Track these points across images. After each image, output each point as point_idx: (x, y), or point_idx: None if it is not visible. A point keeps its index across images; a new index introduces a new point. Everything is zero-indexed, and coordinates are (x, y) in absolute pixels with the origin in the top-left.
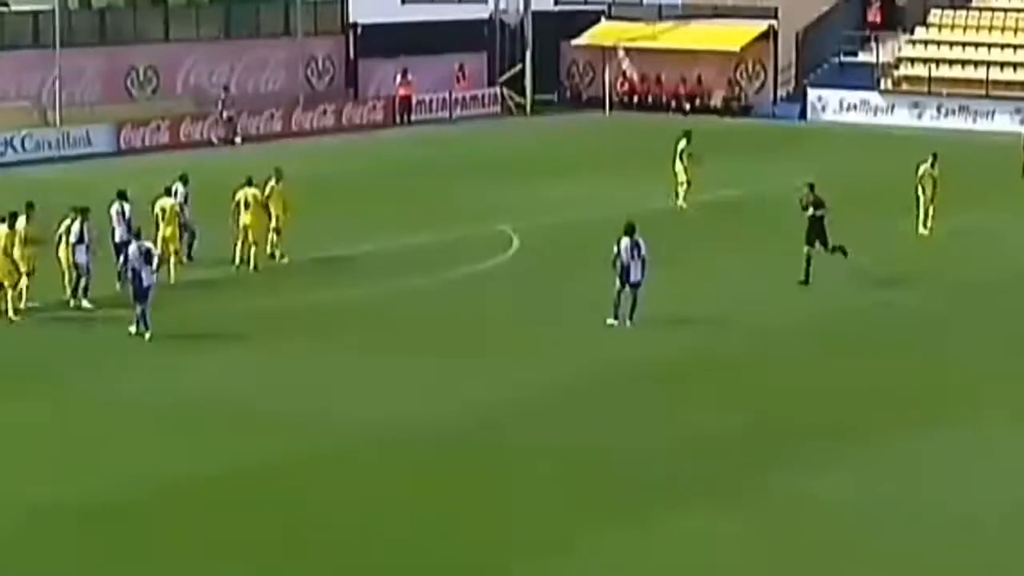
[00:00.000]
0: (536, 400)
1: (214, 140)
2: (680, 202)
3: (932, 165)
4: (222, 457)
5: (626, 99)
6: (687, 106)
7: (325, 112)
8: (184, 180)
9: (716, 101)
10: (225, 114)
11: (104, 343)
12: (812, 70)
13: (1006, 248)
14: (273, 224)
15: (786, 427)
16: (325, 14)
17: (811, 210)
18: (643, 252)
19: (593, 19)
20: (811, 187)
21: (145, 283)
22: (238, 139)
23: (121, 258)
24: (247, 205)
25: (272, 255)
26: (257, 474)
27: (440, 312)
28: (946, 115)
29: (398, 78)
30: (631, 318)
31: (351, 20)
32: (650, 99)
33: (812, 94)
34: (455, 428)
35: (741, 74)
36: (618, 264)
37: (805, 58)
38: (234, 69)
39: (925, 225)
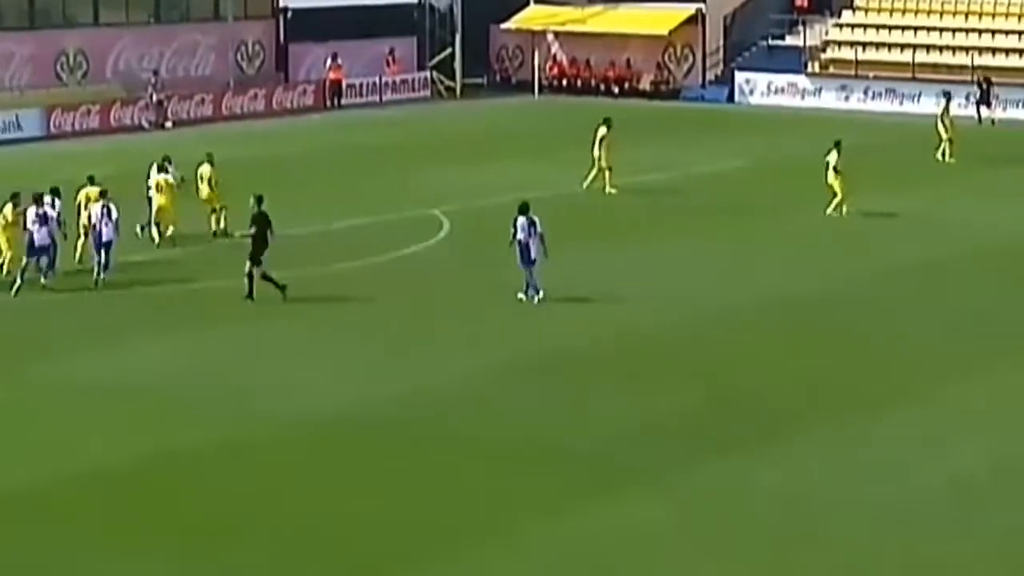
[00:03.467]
0: (464, 386)
1: (145, 124)
2: (585, 184)
3: (837, 153)
4: (152, 442)
5: (555, 83)
6: (616, 89)
7: (255, 96)
8: (57, 193)
9: (645, 84)
10: (155, 98)
11: (35, 326)
12: (740, 53)
13: (931, 229)
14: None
15: (721, 413)
16: None
17: (252, 228)
18: (539, 229)
19: (522, 3)
20: (259, 200)
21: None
22: (169, 123)
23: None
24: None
25: (225, 232)
26: (187, 460)
27: (368, 296)
28: (873, 98)
29: (328, 62)
30: (535, 295)
31: (281, 4)
32: (579, 83)
33: (740, 77)
34: (382, 415)
35: (670, 58)
36: (516, 244)
37: (733, 41)
38: (164, 53)
39: (838, 209)
